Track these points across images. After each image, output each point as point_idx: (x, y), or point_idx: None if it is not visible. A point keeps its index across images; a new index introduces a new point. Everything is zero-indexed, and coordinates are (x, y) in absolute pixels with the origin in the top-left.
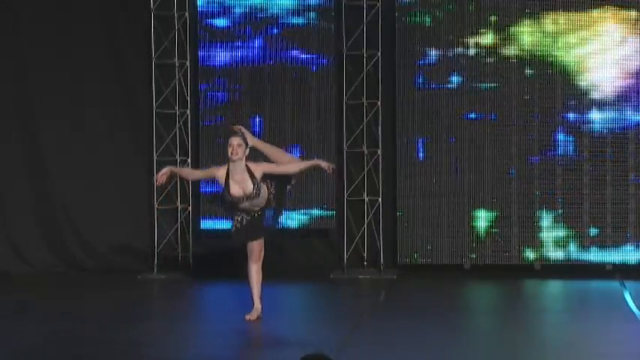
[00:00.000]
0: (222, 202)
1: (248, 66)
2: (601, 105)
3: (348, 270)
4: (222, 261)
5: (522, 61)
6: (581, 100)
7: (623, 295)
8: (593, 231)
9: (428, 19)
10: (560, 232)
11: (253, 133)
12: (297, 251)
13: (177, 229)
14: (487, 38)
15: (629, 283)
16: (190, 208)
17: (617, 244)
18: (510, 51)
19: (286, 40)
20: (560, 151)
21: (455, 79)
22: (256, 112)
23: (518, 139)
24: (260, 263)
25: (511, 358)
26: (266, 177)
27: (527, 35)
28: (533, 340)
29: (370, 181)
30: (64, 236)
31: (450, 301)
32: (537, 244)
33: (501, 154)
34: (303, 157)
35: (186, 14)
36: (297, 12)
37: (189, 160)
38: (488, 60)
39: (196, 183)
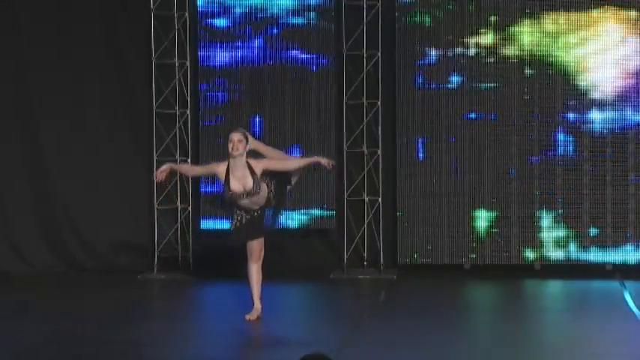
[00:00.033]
0: (222, 202)
1: (248, 66)
2: (601, 105)
3: (348, 270)
4: (222, 261)
5: (522, 61)
6: (581, 100)
7: (623, 295)
8: (593, 231)
9: (428, 19)
10: (560, 232)
11: (253, 134)
12: (297, 251)
13: (177, 229)
14: (487, 38)
15: (629, 283)
16: (190, 208)
17: (617, 244)
18: (510, 51)
19: (286, 40)
20: (560, 151)
21: (455, 79)
22: (256, 112)
23: (518, 139)
24: (260, 263)
25: (511, 358)
26: (266, 175)
27: (527, 35)
28: (533, 340)
29: (370, 181)
30: (64, 236)
31: (450, 301)
32: (537, 244)
33: (501, 154)
34: (303, 157)
35: (186, 14)
36: (297, 12)
37: (189, 160)
38: (488, 60)
39: (196, 183)
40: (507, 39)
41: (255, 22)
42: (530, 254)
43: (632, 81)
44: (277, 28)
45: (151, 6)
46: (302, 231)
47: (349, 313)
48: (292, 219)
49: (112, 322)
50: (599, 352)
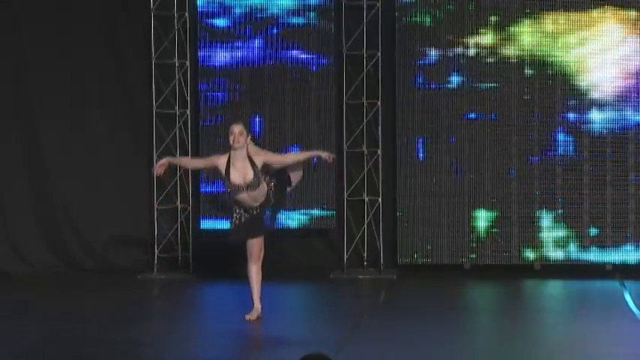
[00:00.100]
0: (223, 203)
1: (248, 66)
2: (601, 105)
3: (348, 270)
4: (222, 261)
5: (522, 61)
6: (581, 100)
7: (623, 295)
8: (593, 231)
9: (428, 19)
10: (560, 232)
11: (253, 133)
12: (297, 251)
13: (177, 229)
14: (487, 38)
15: (629, 283)
16: (190, 208)
17: (617, 244)
18: (510, 51)
19: (286, 40)
20: (560, 151)
21: (455, 79)
22: (256, 112)
23: (518, 139)
24: (260, 263)
25: (511, 358)
26: (266, 173)
27: (527, 35)
28: (533, 339)
29: (370, 181)
30: (64, 236)
31: (449, 301)
32: (537, 244)
33: (501, 154)
34: (303, 152)
35: (186, 14)
36: (297, 12)
37: None
38: (488, 60)
39: (196, 183)
40: (507, 39)
41: (255, 22)
42: (530, 254)
43: (632, 81)
44: (277, 28)
45: (151, 6)
46: (302, 231)
47: (349, 313)
48: (292, 219)
49: (112, 322)
50: (599, 352)
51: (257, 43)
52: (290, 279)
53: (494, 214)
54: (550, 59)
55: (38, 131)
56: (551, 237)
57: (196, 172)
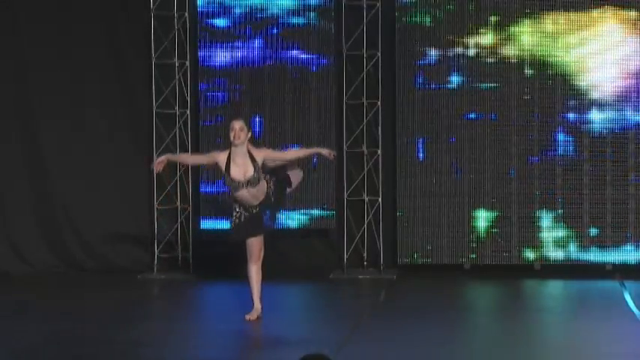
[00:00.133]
0: (223, 203)
1: (248, 66)
2: (601, 105)
3: (348, 270)
4: (222, 261)
5: (522, 61)
6: (581, 100)
7: (623, 295)
8: (593, 231)
9: (428, 19)
10: (560, 232)
11: (253, 133)
12: (297, 251)
13: (177, 229)
14: (487, 38)
15: (629, 283)
16: (190, 208)
17: (617, 244)
18: (510, 51)
19: (286, 40)
20: (560, 151)
21: (455, 79)
22: (256, 112)
23: (518, 139)
24: (260, 263)
25: (511, 357)
26: (266, 172)
27: (527, 35)
28: (533, 339)
29: (370, 181)
30: (64, 236)
31: (449, 301)
32: (537, 244)
33: (501, 154)
34: (303, 148)
35: (186, 14)
36: (297, 12)
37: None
38: (488, 60)
39: (196, 183)
40: (507, 39)
41: (255, 22)
42: (530, 254)
43: (632, 81)
44: (277, 28)
45: (151, 6)
46: (302, 231)
47: (349, 313)
48: (292, 219)
49: (112, 322)
50: (599, 352)
51: (257, 43)
52: (290, 279)
53: (494, 214)
54: (550, 59)
55: (38, 131)
56: (551, 237)
57: (196, 172)
